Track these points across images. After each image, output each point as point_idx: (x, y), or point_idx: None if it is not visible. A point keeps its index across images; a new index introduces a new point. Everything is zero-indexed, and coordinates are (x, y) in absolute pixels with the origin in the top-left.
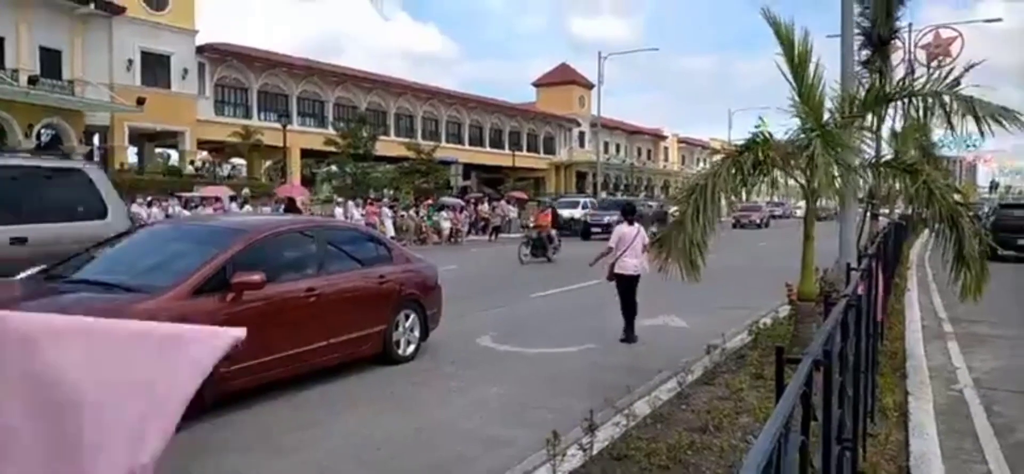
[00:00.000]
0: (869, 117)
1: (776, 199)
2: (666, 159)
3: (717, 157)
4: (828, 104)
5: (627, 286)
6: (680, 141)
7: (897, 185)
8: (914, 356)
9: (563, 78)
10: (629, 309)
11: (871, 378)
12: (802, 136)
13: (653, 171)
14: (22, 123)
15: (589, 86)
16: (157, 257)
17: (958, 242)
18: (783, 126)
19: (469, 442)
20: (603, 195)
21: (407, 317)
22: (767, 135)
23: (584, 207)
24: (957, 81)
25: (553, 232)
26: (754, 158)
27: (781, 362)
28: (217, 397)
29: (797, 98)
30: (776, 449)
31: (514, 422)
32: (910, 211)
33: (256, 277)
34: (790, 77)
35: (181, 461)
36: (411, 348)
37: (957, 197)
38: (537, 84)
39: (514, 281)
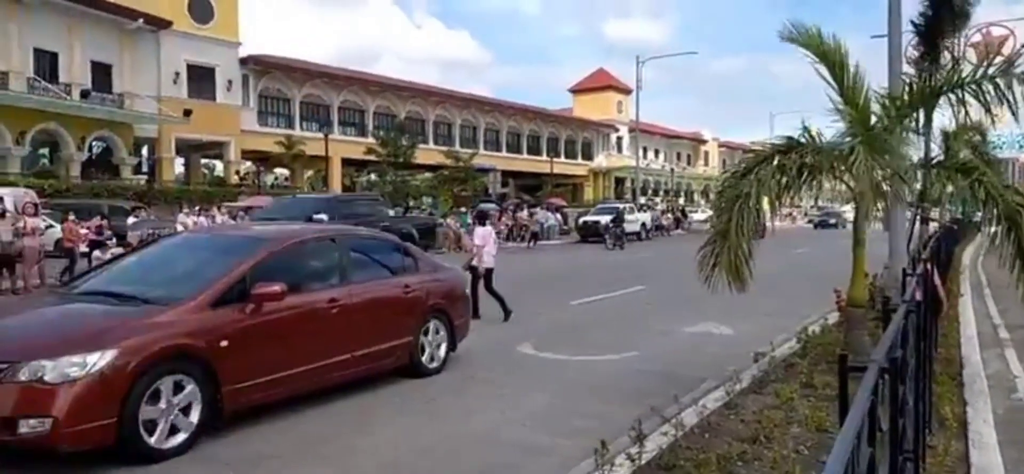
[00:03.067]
0: (916, 116)
1: (821, 204)
2: (706, 163)
3: (747, 156)
4: (875, 106)
5: (487, 276)
6: (721, 145)
7: (949, 187)
8: (971, 364)
9: (601, 83)
10: (495, 295)
11: (928, 387)
12: (847, 140)
13: (693, 176)
14: (75, 136)
15: (627, 91)
16: (177, 268)
17: (1018, 244)
18: (829, 128)
19: (512, 450)
20: (642, 200)
21: (434, 328)
22: (813, 136)
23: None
24: (1010, 62)
25: None
26: (800, 161)
27: (845, 370)
28: (235, 411)
29: (840, 100)
30: (851, 461)
31: (557, 430)
32: (961, 214)
33: (276, 288)
34: (831, 80)
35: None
36: (438, 360)
37: (1018, 199)
38: (574, 90)
39: (554, 288)
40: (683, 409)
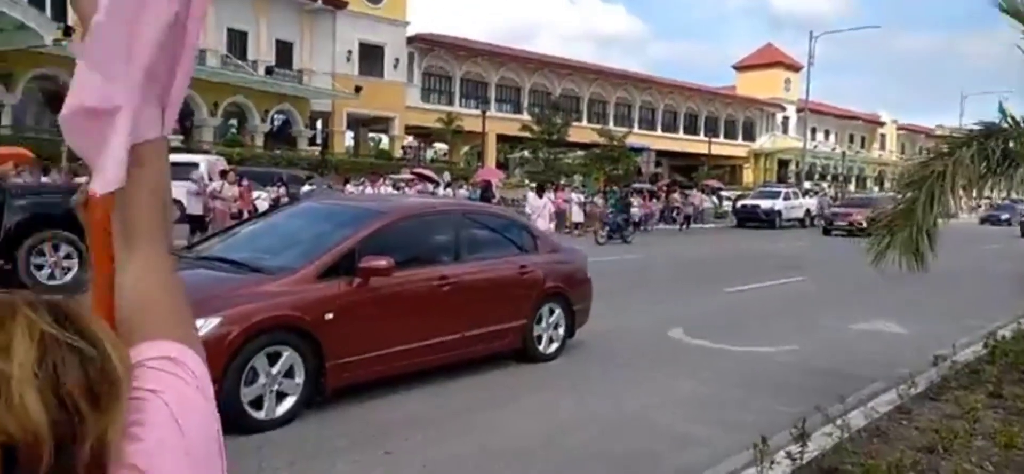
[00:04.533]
0: None
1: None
2: (883, 147)
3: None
4: None
5: None
6: (900, 128)
7: None
8: None
9: (767, 60)
10: None
11: None
12: None
13: (866, 160)
14: (260, 109)
15: (796, 68)
16: (290, 237)
17: None
18: None
19: (660, 438)
20: (808, 186)
21: (551, 311)
22: (1016, 120)
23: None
24: None
25: None
26: (1003, 146)
27: None
28: (337, 388)
29: None
30: None
31: (709, 421)
32: None
33: (383, 263)
34: None
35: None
36: (554, 346)
37: None
38: (739, 67)
39: (706, 274)
40: (849, 410)
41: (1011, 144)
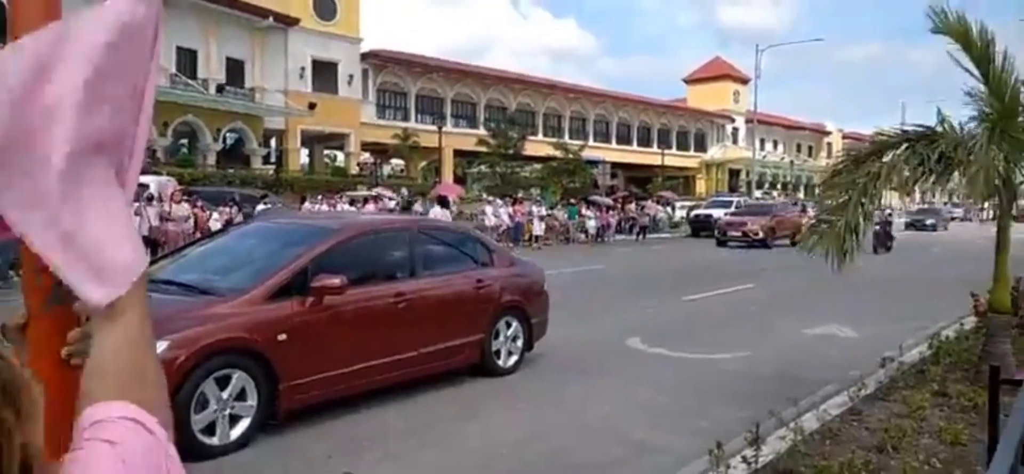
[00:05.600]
0: None
1: (956, 200)
2: (829, 156)
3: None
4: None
5: None
6: (845, 136)
7: None
8: None
9: (716, 73)
10: None
11: None
12: (984, 131)
13: (814, 168)
14: (211, 127)
15: (744, 80)
16: (241, 258)
17: None
18: (970, 120)
19: (620, 446)
20: (758, 195)
21: (508, 325)
22: (952, 126)
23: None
24: None
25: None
26: (939, 151)
27: (996, 383)
28: (293, 410)
29: (984, 90)
30: None
31: (668, 428)
32: None
33: (336, 281)
34: (973, 70)
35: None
36: (512, 359)
37: None
38: (689, 80)
39: (663, 283)
40: (802, 413)
41: (943, 147)
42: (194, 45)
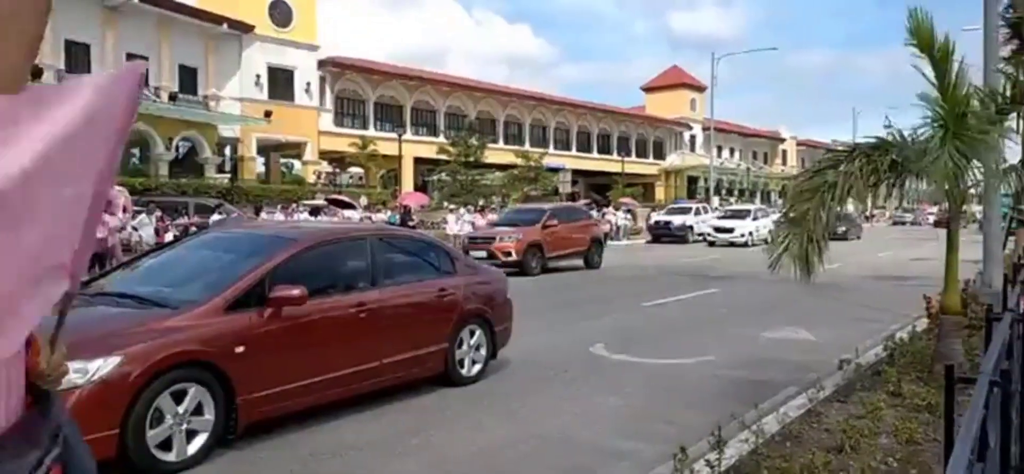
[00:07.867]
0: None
1: (907, 205)
2: (784, 162)
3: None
4: (974, 103)
5: None
6: (799, 144)
7: None
8: None
9: (674, 81)
10: None
11: None
12: (936, 138)
13: (770, 175)
14: (163, 136)
15: (700, 88)
16: (197, 269)
17: None
18: (923, 127)
19: (585, 453)
20: (716, 201)
21: (472, 333)
22: (903, 135)
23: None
24: None
25: None
26: (891, 159)
27: (951, 382)
28: (250, 423)
29: (939, 97)
30: None
31: (633, 434)
32: None
33: (295, 292)
34: (932, 78)
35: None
36: (476, 368)
37: None
38: (647, 88)
39: (625, 290)
40: (763, 416)
41: (895, 155)
42: (146, 51)
